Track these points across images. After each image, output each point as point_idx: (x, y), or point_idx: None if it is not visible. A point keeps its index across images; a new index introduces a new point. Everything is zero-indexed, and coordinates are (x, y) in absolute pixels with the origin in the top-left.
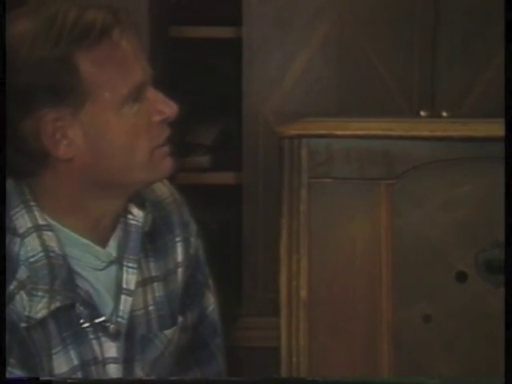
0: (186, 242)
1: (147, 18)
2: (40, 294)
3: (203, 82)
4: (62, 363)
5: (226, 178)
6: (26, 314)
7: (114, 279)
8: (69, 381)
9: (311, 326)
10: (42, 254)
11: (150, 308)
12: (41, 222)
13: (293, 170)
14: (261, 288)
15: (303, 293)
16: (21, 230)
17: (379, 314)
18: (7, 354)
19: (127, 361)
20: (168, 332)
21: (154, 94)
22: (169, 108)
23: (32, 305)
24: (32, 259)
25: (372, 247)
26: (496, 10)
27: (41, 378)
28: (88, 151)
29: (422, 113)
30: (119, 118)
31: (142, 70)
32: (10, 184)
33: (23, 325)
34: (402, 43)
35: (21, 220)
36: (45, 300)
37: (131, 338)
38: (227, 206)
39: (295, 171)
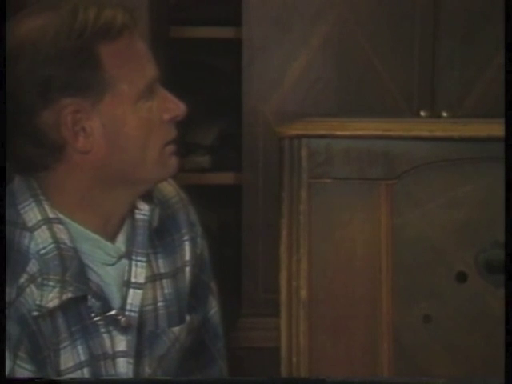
0: (193, 242)
1: (147, 18)
2: (51, 283)
3: (203, 83)
4: (69, 358)
5: (225, 178)
6: (38, 302)
7: (124, 275)
8: (71, 380)
9: (311, 326)
10: (52, 246)
11: (159, 304)
12: (51, 215)
13: (293, 170)
14: (261, 288)
15: (303, 293)
16: (30, 224)
17: (379, 314)
18: (16, 347)
19: (137, 355)
20: (176, 329)
21: (163, 93)
22: (178, 107)
23: (43, 294)
24: (43, 251)
25: (372, 247)
26: (496, 10)
27: (42, 379)
28: (104, 144)
29: (422, 113)
30: (135, 111)
31: (154, 68)
32: (17, 180)
33: (34, 314)
34: (401, 43)
35: (30, 213)
36: (56, 290)
37: (141, 332)
38: (227, 206)
39: (295, 171)
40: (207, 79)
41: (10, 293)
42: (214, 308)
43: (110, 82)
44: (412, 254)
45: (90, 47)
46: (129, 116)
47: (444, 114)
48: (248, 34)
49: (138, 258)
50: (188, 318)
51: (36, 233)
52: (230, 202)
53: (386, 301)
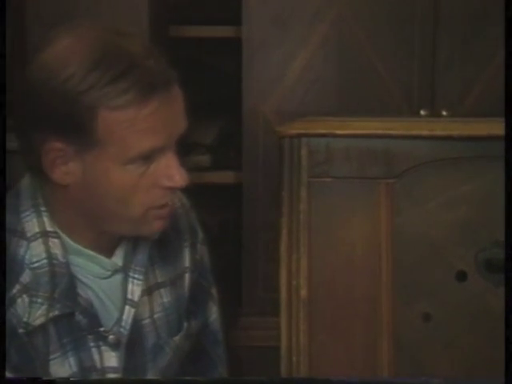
0: (193, 248)
1: (147, 17)
2: (40, 301)
3: (203, 82)
4: (60, 370)
5: (225, 177)
6: (25, 320)
7: (118, 288)
8: (71, 380)
9: (311, 325)
10: (45, 261)
11: (158, 315)
12: (48, 228)
13: (293, 169)
14: (261, 288)
15: (303, 292)
16: (28, 234)
17: (379, 313)
18: (5, 358)
19: (127, 370)
20: (176, 338)
21: (170, 160)
22: (180, 177)
23: (31, 311)
24: (35, 264)
25: (372, 246)
26: (496, 10)
27: (43, 379)
28: (83, 186)
29: (422, 112)
30: (120, 172)
31: (166, 137)
32: (24, 183)
33: (21, 331)
34: (401, 43)
35: (30, 223)
36: (44, 307)
37: (139, 347)
38: (227, 206)
39: (295, 170)
40: (207, 78)
41: None
42: (214, 314)
43: (98, 143)
44: (412, 253)
45: (92, 105)
46: (112, 174)
47: (444, 113)
48: (248, 33)
49: (136, 276)
50: (186, 324)
51: (32, 244)
52: (229, 201)
53: (386, 300)
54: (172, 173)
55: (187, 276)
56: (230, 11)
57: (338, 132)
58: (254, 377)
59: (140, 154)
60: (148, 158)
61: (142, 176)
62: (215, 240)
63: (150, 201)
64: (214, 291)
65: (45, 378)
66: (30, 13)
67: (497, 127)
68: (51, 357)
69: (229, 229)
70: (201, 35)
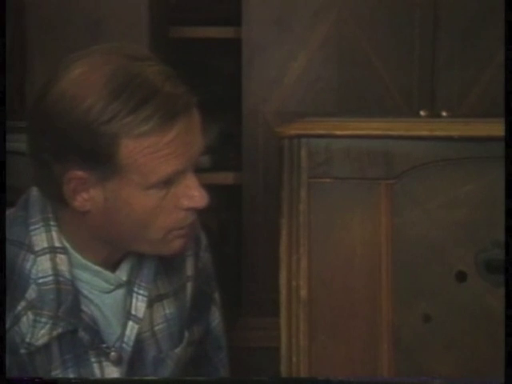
0: (196, 257)
1: (147, 18)
2: (44, 320)
3: (203, 83)
4: None
5: (225, 177)
6: (27, 340)
7: (121, 303)
8: (71, 380)
9: (311, 325)
10: (51, 278)
11: (159, 327)
12: (57, 243)
13: (292, 170)
14: (261, 288)
15: (303, 293)
16: (36, 248)
17: (379, 313)
18: (5, 373)
19: None
20: (178, 350)
21: (190, 180)
22: (200, 197)
23: (34, 331)
24: (41, 280)
25: (372, 247)
26: (496, 10)
27: (44, 379)
28: (103, 213)
29: (422, 112)
30: (143, 197)
31: (187, 159)
32: (35, 192)
33: (23, 351)
34: (402, 43)
35: (38, 237)
36: (47, 326)
37: (140, 361)
38: (227, 206)
39: (295, 171)
40: (207, 79)
41: (6, 321)
42: (216, 319)
43: (120, 170)
44: (412, 254)
45: (114, 135)
46: (134, 199)
47: (444, 114)
48: (248, 34)
49: (140, 292)
50: (187, 334)
51: (39, 259)
52: (230, 202)
53: (386, 300)
54: (192, 193)
55: (189, 285)
56: (229, 12)
57: (338, 133)
58: (254, 377)
59: (162, 179)
60: (169, 181)
61: (163, 199)
62: (215, 241)
63: (171, 223)
64: (216, 296)
65: (48, 379)
66: (30, 13)
67: (497, 128)
68: (52, 373)
69: (229, 229)
70: (201, 36)
